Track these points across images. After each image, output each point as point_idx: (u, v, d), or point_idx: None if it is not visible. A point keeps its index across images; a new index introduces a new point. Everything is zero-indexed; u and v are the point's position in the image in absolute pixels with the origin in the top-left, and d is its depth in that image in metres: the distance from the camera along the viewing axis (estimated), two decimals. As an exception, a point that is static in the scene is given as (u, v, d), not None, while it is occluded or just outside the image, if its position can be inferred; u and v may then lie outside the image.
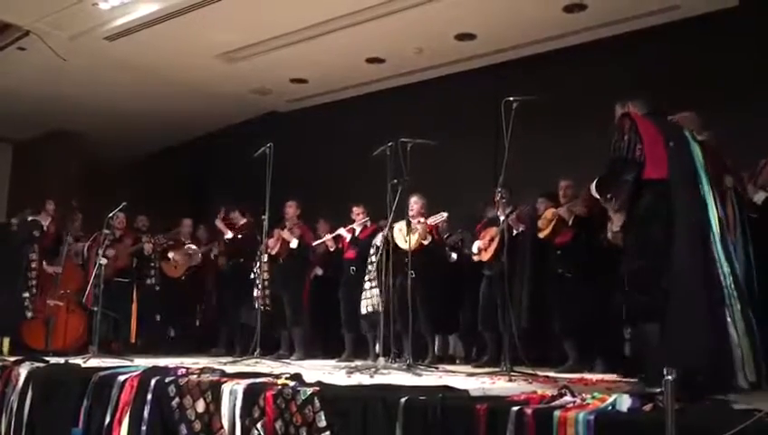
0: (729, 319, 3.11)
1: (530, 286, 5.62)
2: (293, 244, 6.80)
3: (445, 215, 5.98)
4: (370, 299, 6.00)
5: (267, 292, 6.62)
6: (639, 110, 3.55)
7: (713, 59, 6.42)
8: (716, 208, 3.25)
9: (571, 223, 5.42)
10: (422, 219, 6.09)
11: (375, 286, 5.94)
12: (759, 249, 3.90)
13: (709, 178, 3.29)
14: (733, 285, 3.17)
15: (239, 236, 7.46)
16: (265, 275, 6.61)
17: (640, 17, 6.83)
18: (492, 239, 5.82)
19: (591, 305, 5.11)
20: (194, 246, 7.90)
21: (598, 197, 3.65)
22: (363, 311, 6.10)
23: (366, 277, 6.11)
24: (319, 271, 7.25)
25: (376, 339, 6.08)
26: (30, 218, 7.34)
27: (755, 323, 3.25)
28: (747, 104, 6.09)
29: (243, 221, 7.53)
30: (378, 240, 6.01)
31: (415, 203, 6.10)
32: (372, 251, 6.15)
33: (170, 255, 7.68)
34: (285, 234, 6.84)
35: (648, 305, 3.22)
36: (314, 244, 7.04)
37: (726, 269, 3.18)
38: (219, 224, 7.61)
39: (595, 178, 3.62)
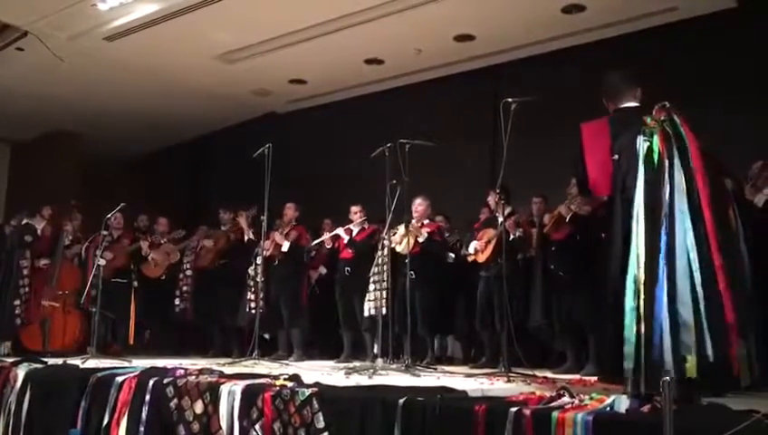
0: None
1: (541, 283, 5.61)
2: (285, 247, 6.78)
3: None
4: (373, 302, 6.01)
5: (261, 294, 6.59)
6: (615, 103, 3.42)
7: (711, 60, 6.44)
8: (644, 228, 2.97)
9: (568, 220, 5.42)
10: (426, 221, 6.11)
11: (378, 289, 5.95)
12: (760, 250, 3.89)
13: (646, 181, 3.04)
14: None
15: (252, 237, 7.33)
16: (260, 278, 6.58)
17: (639, 18, 6.84)
18: (489, 241, 5.82)
19: (587, 305, 5.10)
20: (171, 245, 7.81)
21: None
22: (366, 313, 6.10)
23: (370, 279, 6.11)
24: (323, 270, 7.24)
25: (375, 340, 6.09)
26: (24, 222, 7.29)
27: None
28: (746, 105, 6.10)
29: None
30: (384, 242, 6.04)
31: (419, 205, 6.12)
32: (378, 253, 6.14)
33: (150, 256, 7.59)
34: (278, 237, 6.83)
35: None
36: (312, 244, 7.03)
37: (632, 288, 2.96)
38: (243, 223, 7.37)
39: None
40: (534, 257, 5.75)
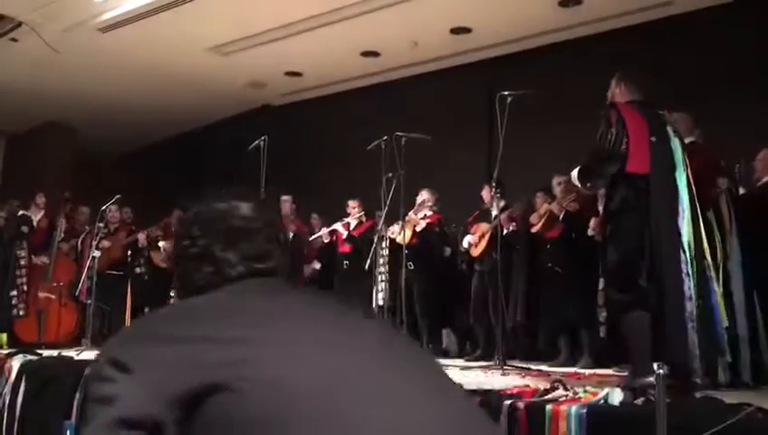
0: (690, 323, 3.08)
1: (525, 282, 5.64)
2: (289, 237, 6.80)
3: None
4: (381, 293, 6.03)
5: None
6: (630, 94, 3.50)
7: (708, 54, 6.43)
8: (687, 207, 3.19)
9: (561, 218, 5.44)
10: (429, 213, 6.12)
11: (384, 280, 5.99)
12: (755, 243, 3.91)
13: (687, 177, 3.26)
14: (695, 288, 3.11)
15: None
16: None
17: (635, 12, 6.84)
18: (482, 235, 5.83)
19: (581, 300, 5.13)
20: None
21: (578, 185, 3.65)
22: (374, 304, 6.09)
23: (377, 271, 6.12)
24: (317, 265, 7.24)
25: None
26: (20, 213, 7.26)
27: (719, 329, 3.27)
28: (743, 100, 6.10)
29: None
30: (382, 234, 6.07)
31: (418, 197, 6.16)
32: (383, 245, 6.16)
33: (161, 244, 7.60)
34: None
35: (628, 301, 3.21)
36: (311, 238, 7.04)
37: (690, 270, 3.13)
38: None
39: (576, 167, 3.61)
40: (520, 256, 5.78)
